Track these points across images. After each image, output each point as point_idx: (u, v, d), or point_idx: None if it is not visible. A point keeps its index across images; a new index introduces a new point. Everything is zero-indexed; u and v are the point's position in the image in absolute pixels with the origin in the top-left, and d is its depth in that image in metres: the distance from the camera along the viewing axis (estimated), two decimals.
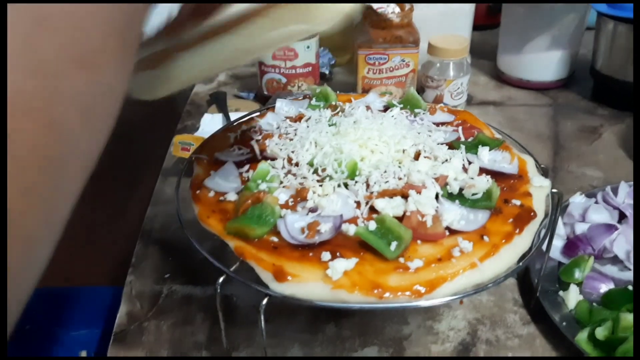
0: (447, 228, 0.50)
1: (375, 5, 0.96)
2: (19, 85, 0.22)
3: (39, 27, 0.23)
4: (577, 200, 0.78)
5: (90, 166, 0.27)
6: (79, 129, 0.24)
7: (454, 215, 0.50)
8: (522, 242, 0.50)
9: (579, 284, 0.68)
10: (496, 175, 0.56)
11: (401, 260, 0.47)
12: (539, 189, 0.55)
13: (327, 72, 1.18)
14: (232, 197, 0.55)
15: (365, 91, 1.00)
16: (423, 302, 0.45)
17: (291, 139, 0.60)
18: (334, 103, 0.68)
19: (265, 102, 1.05)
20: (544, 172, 0.58)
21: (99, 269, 0.98)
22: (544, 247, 0.61)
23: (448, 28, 1.07)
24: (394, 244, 0.47)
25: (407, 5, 0.97)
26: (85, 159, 0.26)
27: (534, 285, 0.65)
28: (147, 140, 1.10)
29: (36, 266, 0.24)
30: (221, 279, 0.48)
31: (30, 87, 0.22)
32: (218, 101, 1.09)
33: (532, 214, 0.52)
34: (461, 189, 0.54)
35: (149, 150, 1.05)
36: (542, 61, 1.14)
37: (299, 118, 0.67)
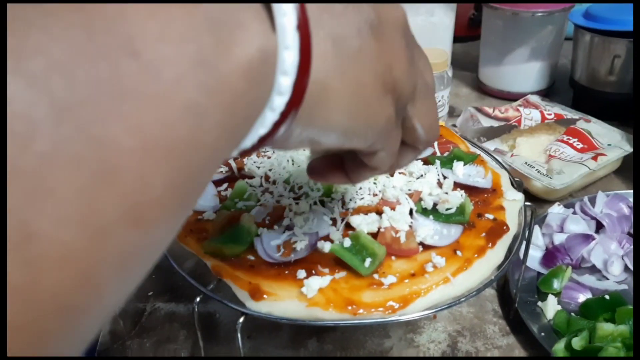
0: (421, 243, 0.51)
1: None
2: (62, 238, 0.18)
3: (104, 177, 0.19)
4: (555, 211, 0.79)
5: (111, 314, 0.23)
6: (109, 283, 0.21)
7: (428, 230, 0.51)
8: (495, 255, 0.51)
9: (558, 294, 0.69)
10: (470, 190, 0.57)
11: (375, 276, 0.48)
12: (512, 202, 0.56)
13: None
14: (210, 216, 0.55)
15: None
16: (396, 318, 0.45)
17: (269, 157, 0.61)
18: None
19: None
20: (518, 186, 0.59)
21: None
22: (522, 257, 0.62)
23: (429, 41, 1.08)
24: (368, 261, 0.48)
25: None
26: (108, 311, 0.22)
27: (513, 296, 0.66)
28: None
29: None
30: (198, 298, 0.48)
31: (76, 241, 0.18)
32: None
33: (504, 227, 0.53)
34: (435, 204, 0.54)
35: None
36: (522, 72, 1.16)
37: None
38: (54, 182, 0.18)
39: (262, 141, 0.27)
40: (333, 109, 0.29)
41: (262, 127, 0.26)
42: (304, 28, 0.25)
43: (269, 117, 0.26)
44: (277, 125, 0.26)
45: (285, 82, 0.25)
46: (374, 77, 0.30)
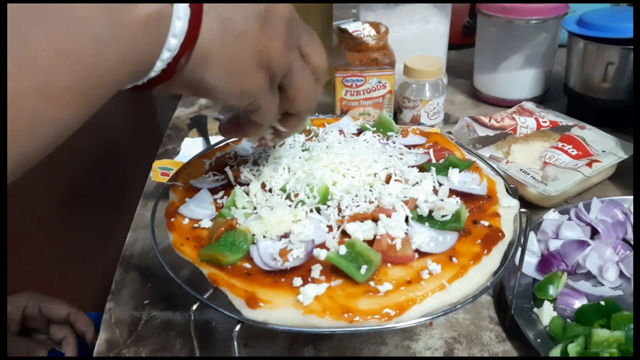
0: (417, 250, 0.51)
1: (350, 29, 0.98)
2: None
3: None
4: (551, 217, 0.80)
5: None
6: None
7: (424, 237, 0.51)
8: (491, 262, 0.51)
9: (553, 301, 0.69)
10: (466, 197, 0.57)
11: (371, 283, 0.48)
12: (508, 209, 0.57)
13: None
14: (206, 224, 0.55)
15: (344, 112, 1.01)
16: (392, 325, 0.45)
17: (265, 165, 0.61)
18: (308, 128, 0.70)
19: None
20: (513, 193, 0.59)
21: (85, 294, 0.97)
22: (517, 264, 0.62)
23: (423, 49, 1.09)
24: (364, 268, 0.48)
25: (383, 28, 0.99)
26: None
27: (509, 302, 0.66)
28: (129, 165, 1.10)
29: None
30: (195, 306, 0.48)
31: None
32: (199, 125, 1.10)
33: (500, 234, 0.53)
34: (431, 211, 0.55)
35: (132, 174, 1.06)
36: (517, 79, 1.17)
37: None
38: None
39: (155, 82, 0.38)
40: (211, 71, 0.39)
41: (153, 72, 0.37)
42: (196, 7, 0.35)
43: (159, 65, 0.36)
44: (165, 73, 0.37)
45: (173, 42, 0.35)
46: (251, 54, 0.40)
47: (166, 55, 0.36)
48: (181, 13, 0.35)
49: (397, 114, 1.05)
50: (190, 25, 0.35)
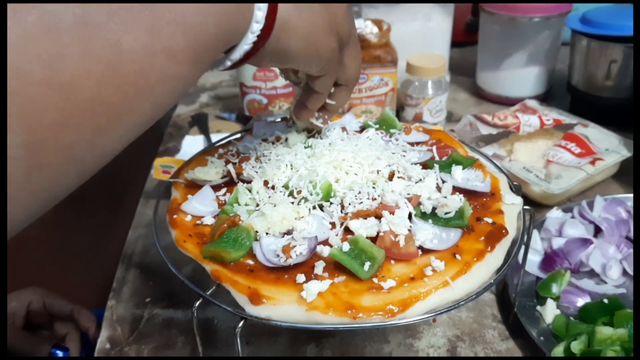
0: (420, 247, 0.51)
1: None
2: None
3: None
4: (554, 215, 0.79)
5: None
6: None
7: (427, 234, 0.51)
8: (494, 259, 0.51)
9: (556, 299, 0.69)
10: (469, 194, 0.57)
11: (375, 280, 0.47)
12: (511, 206, 0.56)
13: None
14: (208, 220, 0.55)
15: (346, 110, 1.01)
16: (396, 322, 0.45)
17: (267, 162, 0.61)
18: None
19: (246, 122, 1.06)
20: (517, 190, 0.59)
21: (85, 293, 0.97)
22: (521, 262, 0.62)
23: (426, 47, 1.09)
24: (367, 265, 0.47)
25: (385, 25, 0.99)
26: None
27: (512, 300, 0.66)
28: (130, 163, 1.10)
29: None
30: (197, 303, 0.48)
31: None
32: (199, 123, 1.10)
33: (503, 231, 0.52)
34: (434, 208, 0.54)
35: (132, 172, 1.05)
36: (520, 77, 1.16)
37: (277, 139, 0.67)
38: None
39: (247, 56, 0.45)
40: (292, 37, 0.46)
41: (245, 45, 0.44)
42: None
43: (250, 37, 0.43)
44: (256, 45, 0.44)
45: (260, 14, 0.42)
46: (323, 20, 0.48)
47: (255, 27, 0.42)
48: None
49: (399, 112, 1.05)
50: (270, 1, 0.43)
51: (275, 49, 0.46)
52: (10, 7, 0.29)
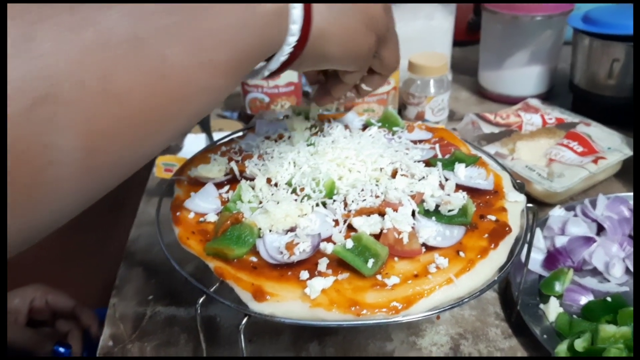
0: (424, 244, 0.51)
1: None
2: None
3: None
4: (557, 214, 0.79)
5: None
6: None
7: (430, 231, 0.51)
8: (498, 256, 0.50)
9: (559, 297, 0.69)
10: (472, 192, 0.57)
11: (378, 277, 0.47)
12: (514, 204, 0.56)
13: (309, 90, 1.19)
14: (211, 218, 0.55)
15: (348, 109, 1.01)
16: (400, 319, 0.45)
17: (270, 159, 0.61)
18: (314, 122, 0.69)
19: (248, 121, 1.06)
20: (520, 188, 0.59)
21: (87, 291, 0.97)
22: (523, 260, 0.62)
23: (428, 46, 1.09)
24: (370, 262, 0.47)
25: None
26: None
27: (515, 298, 0.66)
28: None
29: None
30: (201, 300, 0.48)
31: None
32: (201, 121, 1.10)
33: (507, 228, 0.52)
34: (437, 206, 0.54)
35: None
36: (522, 76, 1.16)
37: (279, 137, 0.67)
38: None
39: (284, 65, 0.46)
40: (330, 43, 0.47)
41: (282, 56, 0.45)
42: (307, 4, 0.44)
43: (286, 49, 0.44)
44: (292, 55, 0.45)
45: (294, 27, 0.43)
46: (359, 22, 0.49)
47: (291, 40, 0.44)
48: (296, 5, 0.43)
49: (401, 111, 1.05)
50: (305, 13, 0.44)
51: (313, 55, 0.47)
52: (68, 24, 0.32)
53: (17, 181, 0.31)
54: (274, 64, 0.46)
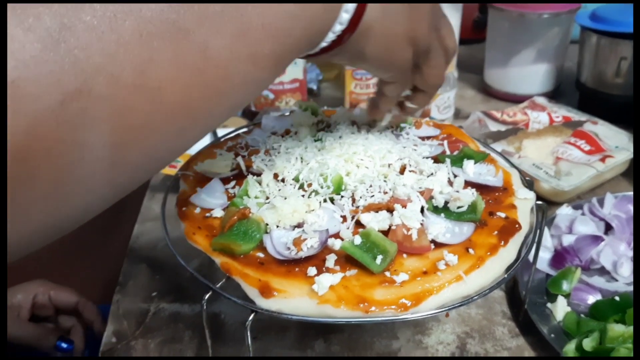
0: (433, 241, 0.50)
1: None
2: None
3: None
4: (564, 212, 0.79)
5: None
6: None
7: (439, 228, 0.51)
8: (508, 254, 0.50)
9: (567, 296, 0.68)
10: (481, 188, 0.56)
11: (387, 274, 0.47)
12: (524, 201, 0.56)
13: (314, 87, 1.19)
14: (218, 213, 0.55)
15: (353, 106, 1.00)
16: (409, 316, 0.44)
17: (277, 155, 0.60)
18: (320, 118, 0.69)
19: (253, 117, 1.05)
20: (529, 185, 0.59)
21: (90, 287, 0.97)
22: (531, 258, 0.61)
23: None
24: (379, 258, 0.47)
25: None
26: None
27: (522, 297, 0.66)
28: None
29: None
30: (207, 295, 0.48)
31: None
32: None
33: (516, 226, 0.52)
34: (446, 202, 0.54)
35: None
36: (528, 74, 1.16)
37: (286, 133, 0.67)
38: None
39: (324, 50, 0.44)
40: (370, 42, 0.46)
41: (324, 42, 0.43)
42: None
43: (330, 36, 0.43)
44: (333, 43, 0.44)
45: (345, 16, 0.42)
46: (403, 32, 0.48)
47: (337, 28, 0.42)
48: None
49: None
50: (359, 5, 0.42)
51: (351, 50, 0.46)
52: (107, 12, 0.29)
53: (44, 177, 0.29)
54: (317, 48, 0.44)
